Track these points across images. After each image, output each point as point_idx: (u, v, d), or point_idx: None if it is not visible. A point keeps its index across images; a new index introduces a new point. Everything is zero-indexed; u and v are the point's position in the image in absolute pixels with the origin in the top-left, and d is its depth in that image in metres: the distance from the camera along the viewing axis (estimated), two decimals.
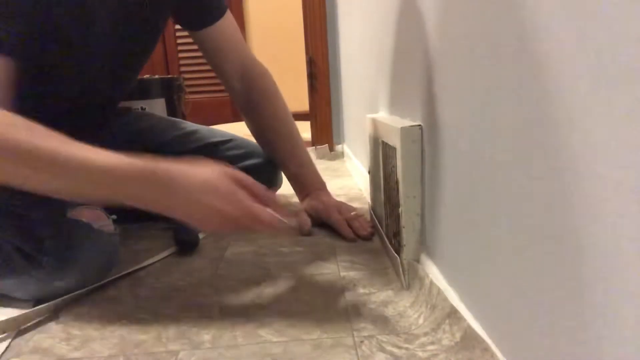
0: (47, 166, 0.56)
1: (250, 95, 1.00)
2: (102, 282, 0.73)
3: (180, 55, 3.34)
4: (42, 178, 0.57)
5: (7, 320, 0.61)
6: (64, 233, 0.67)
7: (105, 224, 0.73)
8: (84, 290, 0.70)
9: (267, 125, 1.01)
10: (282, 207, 0.62)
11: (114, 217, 0.75)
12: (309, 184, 0.98)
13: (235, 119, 3.41)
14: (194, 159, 0.61)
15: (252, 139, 1.09)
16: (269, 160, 1.05)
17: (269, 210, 0.59)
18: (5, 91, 0.64)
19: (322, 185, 0.98)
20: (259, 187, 0.62)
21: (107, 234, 0.73)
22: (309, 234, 0.63)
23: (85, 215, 0.70)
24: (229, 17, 0.97)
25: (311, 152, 1.88)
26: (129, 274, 0.78)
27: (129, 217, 0.81)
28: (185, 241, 0.87)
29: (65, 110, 0.76)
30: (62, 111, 0.72)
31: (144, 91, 1.40)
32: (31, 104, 0.65)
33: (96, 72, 0.83)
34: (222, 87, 1.14)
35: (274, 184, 1.07)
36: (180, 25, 0.98)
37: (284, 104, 1.02)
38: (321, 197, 0.96)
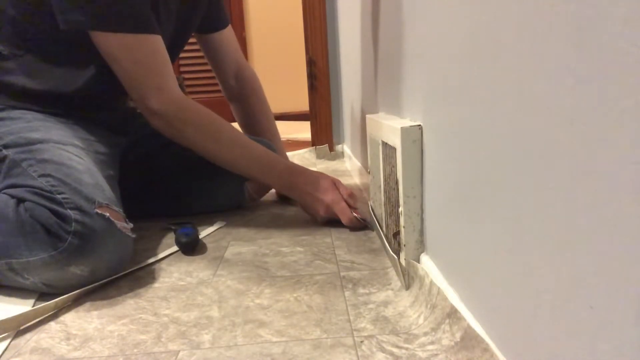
0: (259, 158, 0.98)
1: (242, 91, 1.30)
2: (103, 281, 0.73)
3: (180, 55, 3.34)
4: (250, 163, 0.98)
5: (7, 320, 0.61)
6: (90, 222, 0.71)
7: (125, 226, 0.75)
8: (83, 290, 0.71)
9: (253, 117, 1.31)
10: (358, 209, 0.96)
11: (132, 225, 0.78)
12: None
13: (235, 119, 3.40)
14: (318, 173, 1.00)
15: None
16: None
17: (351, 210, 0.94)
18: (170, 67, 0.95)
19: None
20: (348, 192, 0.96)
21: (126, 235, 0.76)
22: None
23: (110, 214, 0.73)
24: (230, 28, 1.28)
25: (311, 152, 1.89)
26: (129, 273, 0.78)
27: (133, 211, 0.88)
28: (185, 241, 0.87)
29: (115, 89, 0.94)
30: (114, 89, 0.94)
31: None
32: (96, 79, 0.94)
33: None
34: None
35: None
36: (198, 29, 1.21)
37: (267, 102, 1.34)
38: None
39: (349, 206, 0.95)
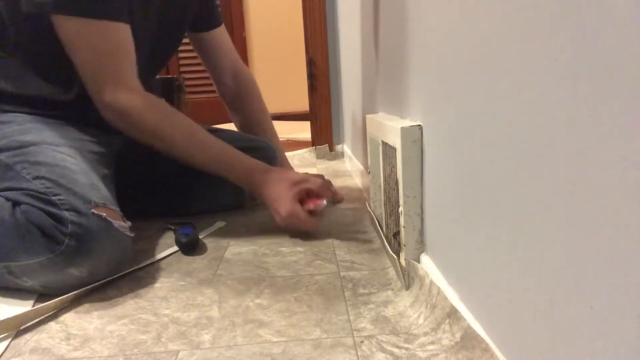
0: (217, 156, 0.93)
1: (240, 93, 1.29)
2: (103, 281, 0.73)
3: (180, 55, 3.34)
4: (208, 161, 0.93)
5: (7, 320, 0.61)
6: (87, 222, 0.70)
7: (122, 225, 0.75)
8: (83, 290, 0.71)
9: (253, 119, 1.30)
10: (324, 197, 0.92)
11: (129, 223, 0.78)
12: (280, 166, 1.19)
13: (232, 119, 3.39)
14: (281, 169, 0.99)
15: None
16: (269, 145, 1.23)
17: (305, 213, 0.89)
18: (134, 57, 0.89)
19: (289, 167, 1.29)
20: (314, 187, 0.91)
21: (124, 234, 0.75)
22: (341, 200, 1.06)
23: (107, 213, 0.73)
24: (224, 27, 1.25)
25: (311, 152, 1.89)
26: (129, 273, 0.78)
27: (132, 211, 0.87)
28: (185, 241, 0.87)
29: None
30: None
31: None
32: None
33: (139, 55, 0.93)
34: None
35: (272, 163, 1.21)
36: (190, 27, 1.18)
37: (264, 104, 1.33)
38: None
39: (313, 198, 0.90)
